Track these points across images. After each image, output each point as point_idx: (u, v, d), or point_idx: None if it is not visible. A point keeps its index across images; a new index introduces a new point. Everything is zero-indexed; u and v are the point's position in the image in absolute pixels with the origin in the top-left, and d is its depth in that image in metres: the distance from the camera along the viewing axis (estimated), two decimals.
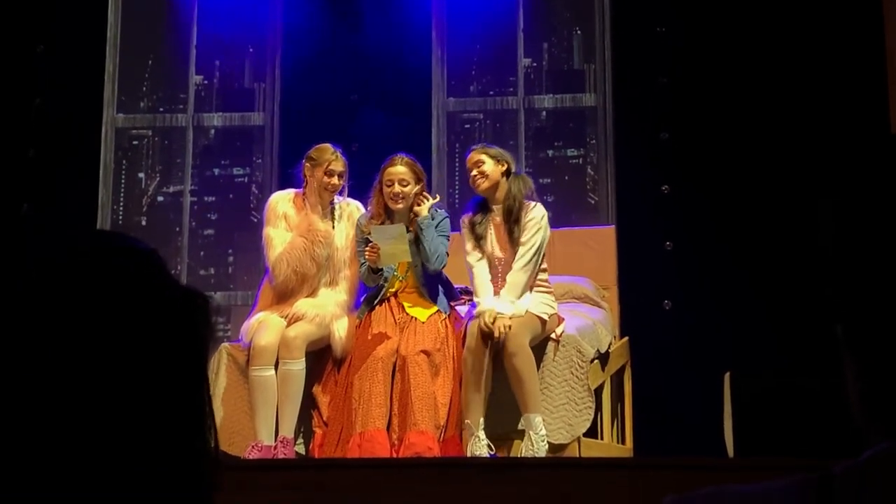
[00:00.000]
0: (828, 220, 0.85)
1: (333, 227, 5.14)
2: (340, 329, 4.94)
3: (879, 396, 0.81)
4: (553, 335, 4.91)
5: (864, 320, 0.81)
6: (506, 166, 5.06)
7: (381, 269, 4.99)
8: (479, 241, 5.02)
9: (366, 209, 5.18)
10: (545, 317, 4.85)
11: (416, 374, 4.71)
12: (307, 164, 5.11)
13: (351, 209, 5.20)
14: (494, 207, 5.03)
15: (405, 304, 5.00)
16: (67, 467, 0.69)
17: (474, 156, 5.11)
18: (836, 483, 0.77)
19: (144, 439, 0.71)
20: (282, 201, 5.15)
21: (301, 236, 5.03)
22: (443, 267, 5.08)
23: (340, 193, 5.19)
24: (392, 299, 5.03)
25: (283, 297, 5.06)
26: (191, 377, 0.77)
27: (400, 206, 5.04)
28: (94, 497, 0.69)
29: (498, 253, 4.98)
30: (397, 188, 5.02)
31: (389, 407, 4.70)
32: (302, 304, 4.96)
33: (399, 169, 5.06)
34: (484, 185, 5.02)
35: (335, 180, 5.08)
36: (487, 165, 5.03)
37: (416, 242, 5.01)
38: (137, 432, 0.71)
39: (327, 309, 4.96)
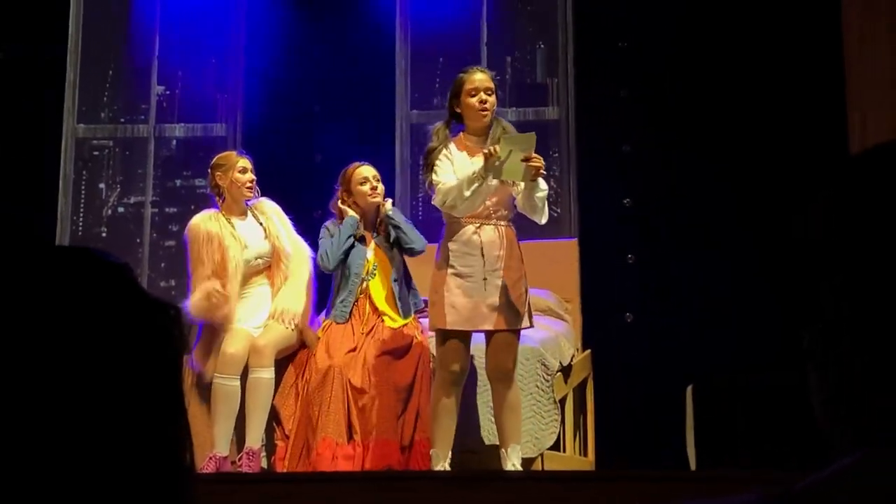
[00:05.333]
0: (822, 213, 0.84)
1: (261, 225, 5.12)
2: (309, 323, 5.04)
3: (853, 398, 0.79)
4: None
5: (864, 312, 0.79)
6: None
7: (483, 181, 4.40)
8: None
9: (326, 219, 5.20)
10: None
11: (378, 383, 4.69)
12: (217, 174, 5.13)
13: (264, 207, 5.19)
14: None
15: (376, 302, 5.00)
16: (42, 485, 0.67)
17: (486, 79, 4.49)
18: (798, 500, 0.75)
19: (121, 455, 0.70)
20: (202, 222, 5.05)
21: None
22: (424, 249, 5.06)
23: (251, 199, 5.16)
24: (361, 299, 5.01)
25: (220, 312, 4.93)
26: (167, 389, 0.76)
27: (377, 199, 5.14)
28: None
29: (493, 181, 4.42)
30: (374, 182, 5.14)
31: (348, 416, 4.67)
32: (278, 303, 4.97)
33: (370, 169, 5.18)
34: (488, 119, 4.51)
35: (249, 175, 5.08)
36: (494, 99, 4.53)
37: (395, 244, 5.10)
38: (114, 448, 0.70)
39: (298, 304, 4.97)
